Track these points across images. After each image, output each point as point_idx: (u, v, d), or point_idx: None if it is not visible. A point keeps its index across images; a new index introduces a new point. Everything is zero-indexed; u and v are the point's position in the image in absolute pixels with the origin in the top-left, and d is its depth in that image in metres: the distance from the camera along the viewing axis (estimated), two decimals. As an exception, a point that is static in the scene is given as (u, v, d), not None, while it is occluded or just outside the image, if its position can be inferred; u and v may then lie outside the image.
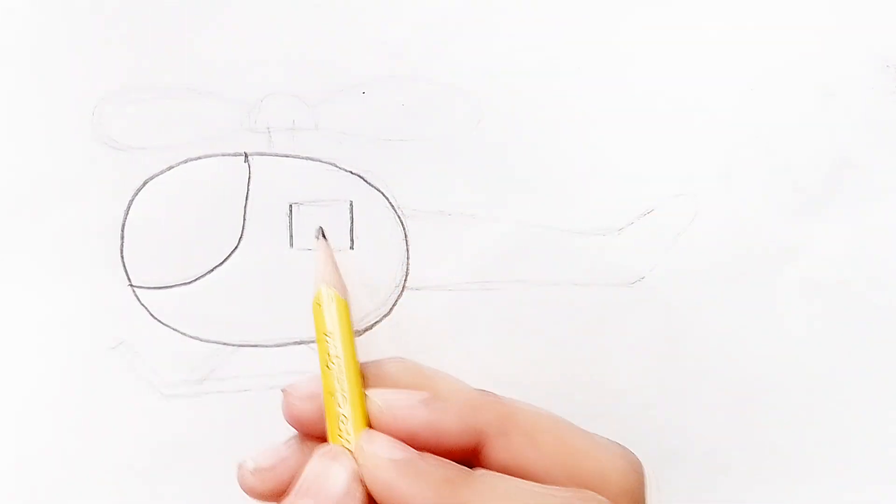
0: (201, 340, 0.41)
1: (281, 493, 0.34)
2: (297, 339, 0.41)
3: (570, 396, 0.42)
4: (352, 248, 0.41)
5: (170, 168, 0.41)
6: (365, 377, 0.36)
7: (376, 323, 0.41)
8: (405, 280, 0.41)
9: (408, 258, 0.41)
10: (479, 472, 0.32)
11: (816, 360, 0.42)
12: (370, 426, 0.34)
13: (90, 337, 0.41)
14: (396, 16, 0.41)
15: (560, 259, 0.42)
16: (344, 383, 0.34)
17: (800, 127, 0.42)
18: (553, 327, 0.42)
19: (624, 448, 0.35)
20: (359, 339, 0.41)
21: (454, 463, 0.32)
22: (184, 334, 0.41)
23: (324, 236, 0.40)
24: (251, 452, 0.35)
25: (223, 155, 0.41)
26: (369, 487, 0.32)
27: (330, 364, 0.35)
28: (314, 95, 0.41)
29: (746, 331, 0.42)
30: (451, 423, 0.33)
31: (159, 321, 0.41)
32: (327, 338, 0.36)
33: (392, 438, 0.33)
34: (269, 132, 0.41)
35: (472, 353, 0.42)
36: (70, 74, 0.40)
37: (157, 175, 0.41)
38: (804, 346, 0.42)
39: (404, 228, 0.41)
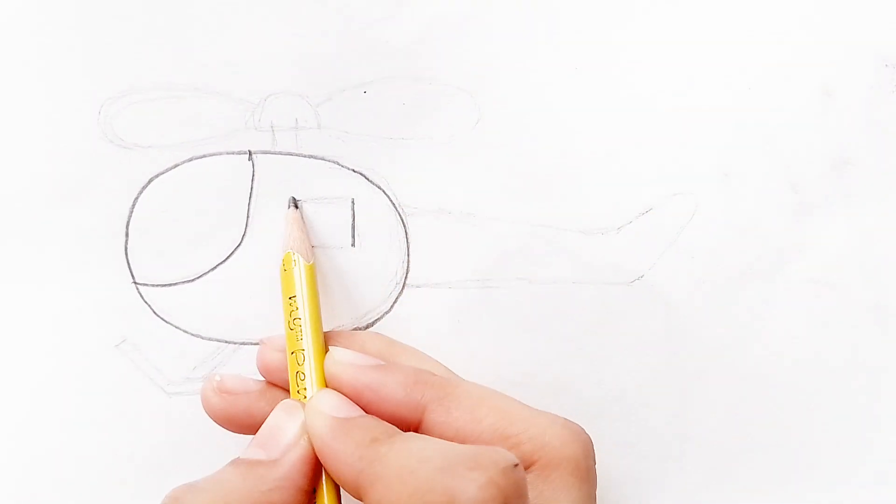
0: (204, 338, 0.42)
1: (229, 421, 0.37)
2: (299, 338, 0.41)
3: (570, 394, 0.42)
4: (353, 245, 0.41)
5: (174, 166, 0.41)
6: (333, 341, 0.38)
7: (377, 320, 0.42)
8: (406, 277, 0.42)
9: (408, 256, 0.42)
10: (406, 434, 0.33)
11: (816, 359, 0.42)
12: (325, 382, 0.36)
13: (93, 334, 0.41)
14: (398, 16, 0.41)
15: (559, 257, 0.42)
16: (305, 342, 0.37)
17: (799, 126, 0.42)
18: (552, 325, 0.42)
19: (569, 421, 0.35)
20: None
21: (388, 424, 0.34)
22: (186, 332, 0.41)
23: (295, 205, 0.41)
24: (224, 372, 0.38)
25: (227, 153, 0.41)
26: (312, 441, 0.34)
27: (292, 325, 0.38)
28: (317, 95, 0.41)
29: (745, 330, 0.42)
30: (392, 391, 0.35)
31: (162, 319, 0.41)
32: (291, 300, 0.38)
33: (342, 397, 0.35)
34: (273, 131, 0.41)
35: (471, 350, 0.42)
36: (76, 74, 0.41)
37: (161, 173, 0.41)
38: (803, 346, 0.42)
39: (405, 226, 0.42)
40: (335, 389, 0.36)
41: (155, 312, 0.41)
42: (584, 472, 0.34)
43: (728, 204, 0.42)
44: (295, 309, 0.38)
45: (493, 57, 0.41)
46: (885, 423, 0.42)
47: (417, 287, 0.42)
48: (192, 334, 0.41)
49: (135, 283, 0.41)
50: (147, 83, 0.41)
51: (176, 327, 0.41)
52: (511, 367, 0.42)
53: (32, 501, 0.41)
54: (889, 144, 0.42)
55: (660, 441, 0.42)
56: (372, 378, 0.35)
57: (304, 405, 0.36)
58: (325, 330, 0.39)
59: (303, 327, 0.37)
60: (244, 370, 0.41)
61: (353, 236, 0.41)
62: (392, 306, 0.42)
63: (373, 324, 0.41)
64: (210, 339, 0.42)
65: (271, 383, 0.38)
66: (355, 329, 0.41)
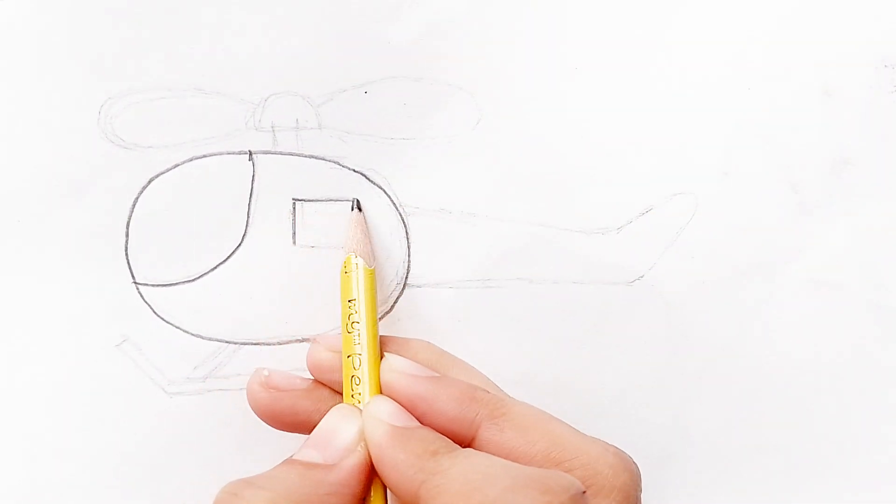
0: (204, 338, 0.42)
1: (273, 417, 0.37)
2: (300, 337, 0.42)
3: (570, 394, 0.42)
4: (353, 245, 0.41)
5: (175, 166, 0.41)
6: (387, 347, 0.38)
7: (378, 320, 0.41)
8: (406, 277, 0.42)
9: (409, 256, 0.42)
10: (466, 449, 0.33)
11: (816, 359, 0.42)
12: (380, 388, 0.36)
13: (94, 334, 0.41)
14: (398, 16, 0.41)
15: (559, 257, 0.42)
16: (361, 347, 0.37)
17: (799, 126, 0.42)
18: (552, 325, 0.42)
19: (619, 449, 0.35)
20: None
21: (447, 439, 0.34)
22: (187, 332, 0.41)
23: (359, 208, 0.41)
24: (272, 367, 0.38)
25: (228, 153, 0.41)
26: (369, 447, 0.34)
27: (350, 328, 0.37)
28: (317, 95, 0.41)
29: (745, 329, 0.42)
30: (446, 405, 0.34)
31: (163, 319, 0.41)
32: (350, 303, 0.37)
33: (399, 406, 0.35)
34: (273, 131, 0.41)
35: (472, 349, 0.42)
36: (77, 74, 0.41)
37: (162, 173, 0.41)
38: (803, 345, 0.42)
39: (406, 226, 0.42)
40: (389, 393, 0.35)
41: (155, 312, 0.41)
42: (634, 501, 0.34)
43: (728, 204, 0.42)
44: (354, 312, 0.37)
45: (494, 57, 0.41)
46: (886, 423, 0.42)
47: (418, 287, 0.42)
48: (193, 334, 0.41)
49: (135, 283, 0.41)
50: (147, 83, 0.41)
51: (176, 327, 0.41)
52: (511, 366, 0.42)
53: (32, 501, 0.41)
54: (889, 144, 0.42)
55: (660, 441, 0.42)
56: (427, 389, 0.35)
57: (357, 410, 0.35)
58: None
59: (361, 331, 0.37)
60: (244, 370, 0.41)
61: (354, 236, 0.41)
62: (393, 306, 0.42)
63: (373, 324, 0.41)
64: (211, 339, 0.42)
65: (319, 382, 0.38)
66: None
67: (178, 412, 0.41)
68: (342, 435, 0.34)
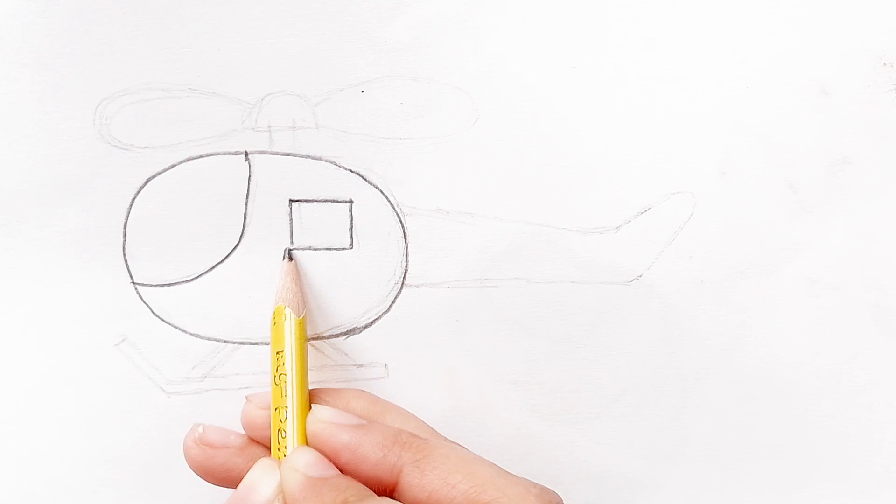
0: (202, 338, 0.42)
1: (207, 473, 0.38)
2: (298, 337, 0.42)
3: (568, 394, 0.42)
4: (351, 245, 0.41)
5: (171, 167, 0.41)
6: (318, 398, 0.38)
7: (376, 320, 0.42)
8: (404, 277, 0.42)
9: (406, 256, 0.42)
10: (382, 498, 0.34)
11: (815, 359, 0.42)
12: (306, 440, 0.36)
13: (92, 334, 0.41)
14: (395, 17, 0.41)
15: (557, 257, 0.42)
16: (288, 399, 0.37)
17: (796, 125, 0.42)
18: (550, 325, 0.42)
19: (545, 489, 0.35)
20: (359, 336, 0.42)
21: (361, 486, 0.34)
22: (185, 332, 0.41)
23: (290, 257, 0.41)
24: (208, 423, 0.38)
25: (224, 154, 0.41)
26: (286, 499, 0.34)
27: (277, 380, 0.37)
28: (314, 95, 0.41)
29: (743, 329, 0.42)
30: (369, 451, 0.35)
31: (161, 319, 0.41)
32: (278, 355, 0.38)
33: (319, 456, 0.35)
34: (270, 131, 0.41)
35: (470, 350, 0.42)
36: (72, 74, 0.40)
37: (158, 173, 0.41)
38: (802, 346, 0.42)
39: (403, 226, 0.42)
40: (315, 448, 0.36)
41: (153, 312, 0.41)
42: None
43: (726, 203, 0.42)
44: (281, 364, 0.37)
45: (492, 56, 0.41)
46: (885, 424, 0.42)
47: (416, 287, 0.42)
48: (191, 334, 0.41)
49: (133, 283, 0.41)
50: (143, 83, 0.41)
51: (175, 327, 0.41)
52: (510, 366, 0.42)
53: (31, 500, 0.41)
54: (887, 143, 0.42)
55: (660, 441, 0.42)
56: (350, 437, 0.35)
57: (278, 464, 0.36)
58: (314, 368, 0.40)
59: (288, 384, 0.37)
60: (243, 370, 0.41)
61: (352, 237, 0.41)
62: (390, 306, 0.42)
63: (371, 324, 0.41)
64: (209, 339, 0.42)
65: (253, 440, 0.38)
66: (352, 330, 0.41)
67: (176, 412, 0.41)
68: (261, 490, 0.35)
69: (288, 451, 0.36)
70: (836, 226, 0.42)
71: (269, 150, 0.41)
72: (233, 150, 0.41)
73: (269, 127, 0.41)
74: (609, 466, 0.42)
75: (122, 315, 0.41)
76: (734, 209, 0.42)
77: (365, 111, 0.41)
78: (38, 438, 0.41)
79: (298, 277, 0.40)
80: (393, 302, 0.42)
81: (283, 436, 0.36)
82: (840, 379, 0.42)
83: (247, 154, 0.41)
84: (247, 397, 0.38)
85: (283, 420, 0.36)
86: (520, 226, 0.42)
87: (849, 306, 0.42)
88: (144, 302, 0.41)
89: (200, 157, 0.41)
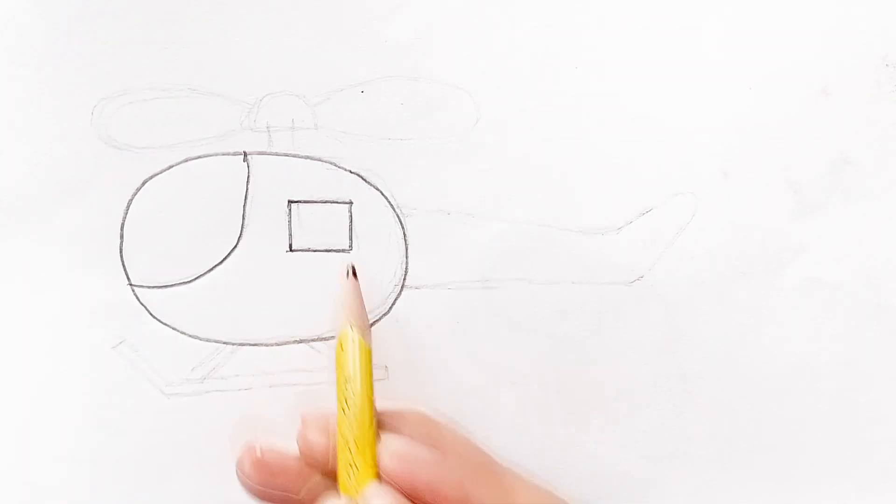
0: (201, 339, 0.41)
1: (262, 495, 0.37)
2: (298, 338, 0.41)
3: (570, 394, 0.42)
4: (351, 247, 0.41)
5: (169, 167, 0.41)
6: (381, 423, 0.36)
7: (376, 322, 0.41)
8: (404, 279, 0.41)
9: (407, 257, 0.41)
10: None
11: (815, 358, 0.42)
12: (377, 472, 0.35)
13: (91, 336, 0.41)
14: (395, 16, 0.41)
15: (559, 258, 0.42)
16: (358, 430, 0.35)
17: (798, 126, 0.42)
18: (551, 326, 0.42)
19: None
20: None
21: None
22: (184, 333, 0.41)
23: (354, 274, 0.39)
24: (263, 439, 0.37)
25: (223, 154, 0.41)
26: None
27: (346, 408, 0.36)
28: (313, 95, 0.41)
29: (745, 330, 0.42)
30: (449, 490, 0.34)
31: (159, 320, 0.41)
32: (346, 383, 0.36)
33: (398, 498, 0.34)
34: (269, 131, 0.41)
35: (470, 351, 0.42)
36: (71, 74, 0.40)
37: (156, 174, 0.41)
38: (803, 346, 0.42)
39: (403, 227, 0.41)
40: (390, 483, 0.34)
41: (152, 314, 0.41)
42: None
43: (728, 204, 0.42)
44: (351, 394, 0.36)
45: (492, 56, 0.41)
46: (885, 423, 0.42)
47: (416, 288, 0.41)
48: (190, 336, 0.41)
49: (131, 284, 0.41)
50: (141, 83, 0.41)
51: (173, 329, 0.41)
52: (511, 367, 0.42)
53: (31, 502, 0.41)
54: (888, 144, 0.42)
55: (660, 441, 0.42)
56: (430, 476, 0.34)
57: (353, 500, 0.34)
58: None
59: (357, 414, 0.35)
60: (242, 371, 0.41)
61: (351, 238, 0.41)
62: (391, 308, 0.41)
63: (371, 325, 0.41)
64: (208, 341, 0.41)
65: (310, 463, 0.37)
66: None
67: (175, 413, 0.41)
68: None
69: (360, 489, 0.34)
70: (837, 226, 0.42)
71: (268, 150, 0.41)
72: (231, 151, 0.41)
73: (267, 127, 0.41)
74: (609, 466, 0.42)
75: (120, 317, 0.41)
76: (736, 210, 0.42)
77: (365, 111, 0.41)
78: (37, 441, 0.41)
79: (361, 296, 0.39)
80: (393, 303, 0.41)
81: (355, 472, 0.35)
82: (840, 378, 0.42)
83: (245, 155, 0.41)
84: (302, 418, 0.37)
85: (353, 453, 0.35)
86: (521, 226, 0.42)
87: (849, 306, 0.42)
88: (142, 304, 0.41)
89: (199, 157, 0.41)
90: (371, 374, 0.36)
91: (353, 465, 0.35)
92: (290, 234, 0.41)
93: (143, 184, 0.41)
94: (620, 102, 0.41)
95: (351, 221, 0.41)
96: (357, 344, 0.36)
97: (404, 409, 0.37)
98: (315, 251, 0.41)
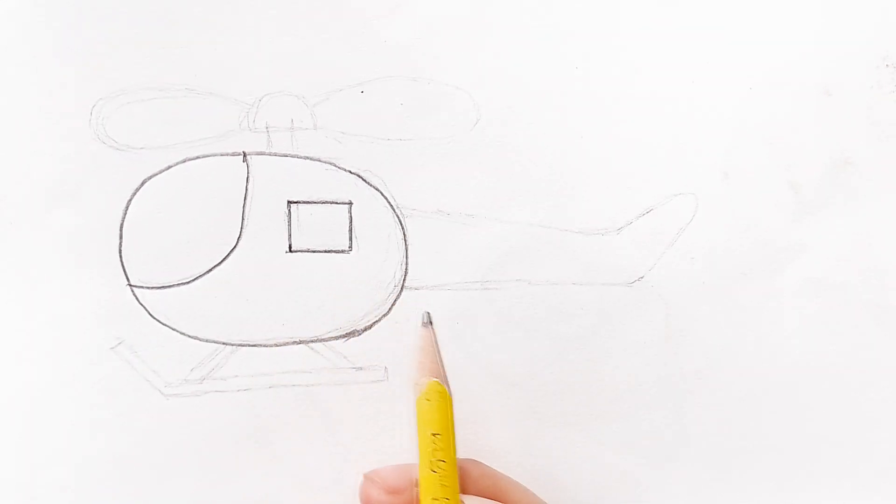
0: (201, 340, 0.41)
1: None
2: (297, 339, 0.41)
3: (570, 395, 0.42)
4: (350, 247, 0.41)
5: (168, 168, 0.41)
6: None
7: (376, 322, 0.41)
8: (404, 280, 0.41)
9: (406, 258, 0.41)
10: None
11: (815, 359, 0.42)
12: None
13: (89, 337, 0.41)
14: (395, 16, 0.41)
15: (559, 259, 0.42)
16: (450, 488, 0.34)
17: (799, 126, 0.42)
18: (552, 326, 0.42)
19: None
20: (359, 339, 0.41)
21: None
22: (183, 334, 0.41)
23: (430, 322, 0.37)
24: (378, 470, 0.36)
25: (222, 154, 0.41)
26: None
27: (436, 467, 0.34)
28: (313, 95, 0.41)
29: (745, 330, 0.42)
30: None
31: (158, 321, 0.41)
32: (435, 437, 0.34)
33: None
34: (268, 132, 0.41)
35: (471, 352, 0.42)
36: (69, 74, 0.40)
37: (155, 175, 0.41)
38: (803, 346, 0.42)
39: (403, 228, 0.41)
40: None
41: (151, 315, 0.41)
42: None
43: (728, 204, 0.42)
44: (439, 449, 0.34)
45: (493, 56, 0.41)
46: (885, 423, 0.42)
47: (416, 289, 0.41)
48: (189, 336, 0.41)
49: (130, 285, 0.41)
50: (140, 84, 0.41)
51: (172, 329, 0.41)
52: (511, 368, 0.42)
53: (31, 502, 0.41)
54: (889, 144, 0.42)
55: (660, 441, 0.42)
56: None
57: None
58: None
59: (450, 472, 0.33)
60: (241, 372, 0.41)
61: (351, 239, 0.41)
62: (391, 309, 0.41)
63: (371, 326, 0.41)
64: (207, 341, 0.41)
65: None
66: (352, 332, 0.41)
67: (175, 414, 0.41)
68: None
69: None
70: (837, 226, 0.42)
71: (268, 150, 0.41)
72: (231, 151, 0.41)
73: (267, 127, 0.41)
74: (609, 466, 0.42)
75: (118, 317, 0.41)
76: (736, 210, 0.42)
77: (365, 112, 0.41)
78: (37, 441, 0.41)
79: (437, 345, 0.37)
80: (393, 304, 0.41)
81: None
82: (840, 379, 0.42)
83: (245, 155, 0.41)
84: (366, 476, 0.35)
85: None
86: (521, 227, 0.42)
87: (850, 306, 0.42)
88: (142, 304, 0.41)
89: (198, 157, 0.41)
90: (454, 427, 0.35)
91: None
92: (290, 235, 0.41)
93: (143, 184, 0.41)
94: (620, 102, 0.41)
95: (351, 222, 0.41)
96: (443, 396, 0.35)
97: (463, 462, 0.36)
98: (315, 252, 0.41)
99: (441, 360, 0.36)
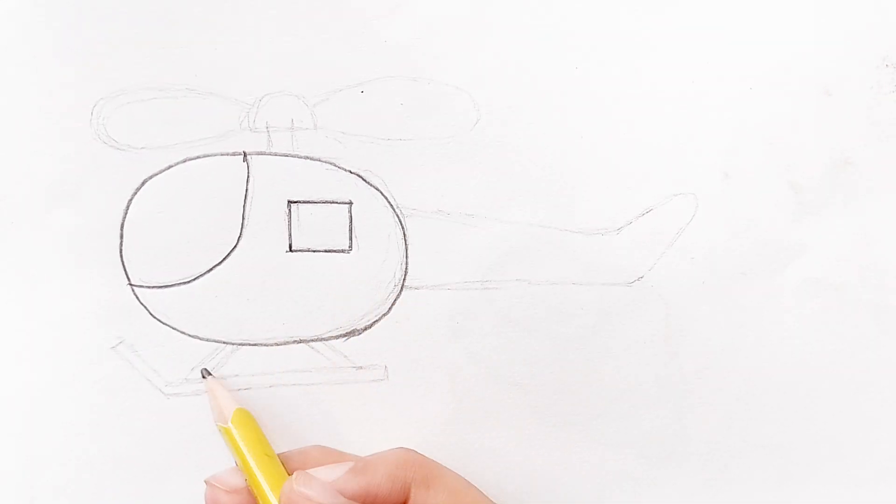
0: (201, 339, 0.41)
1: None
2: (297, 338, 0.41)
3: (570, 395, 0.42)
4: (350, 247, 0.41)
5: (169, 167, 0.41)
6: (288, 465, 0.39)
7: (375, 322, 0.41)
8: (404, 279, 0.41)
9: (407, 257, 0.41)
10: None
11: (815, 359, 0.42)
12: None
13: (90, 336, 0.41)
14: (395, 16, 0.41)
15: (558, 259, 0.42)
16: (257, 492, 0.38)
17: (799, 126, 0.42)
18: (552, 326, 0.42)
19: None
20: (359, 338, 0.41)
21: None
22: (184, 333, 0.41)
23: (209, 374, 0.41)
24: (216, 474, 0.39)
25: (222, 154, 0.41)
26: None
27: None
28: (313, 95, 0.41)
29: (745, 330, 0.42)
30: (382, 482, 0.36)
31: (159, 320, 0.41)
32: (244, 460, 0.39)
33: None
34: (268, 131, 0.41)
35: (470, 352, 0.42)
36: (69, 74, 0.40)
37: (155, 174, 0.41)
38: (803, 346, 0.42)
39: (403, 228, 0.41)
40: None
41: (151, 314, 0.41)
42: None
43: (728, 204, 0.42)
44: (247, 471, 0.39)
45: (492, 56, 0.41)
46: (885, 423, 0.42)
47: (416, 289, 0.41)
48: (190, 335, 0.41)
49: (130, 284, 0.41)
50: (140, 83, 0.41)
51: (173, 328, 0.41)
52: (511, 368, 0.42)
53: (31, 502, 0.41)
54: (889, 144, 0.42)
55: (660, 441, 0.42)
56: (358, 481, 0.36)
57: None
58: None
59: (253, 486, 0.38)
60: (241, 371, 0.41)
61: (351, 238, 0.41)
62: (390, 308, 0.41)
63: (371, 326, 0.41)
64: (207, 341, 0.41)
65: None
66: (352, 332, 0.41)
67: (175, 413, 0.41)
68: None
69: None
70: (837, 226, 0.42)
71: (268, 150, 0.41)
72: (231, 151, 0.41)
73: (267, 127, 0.41)
74: (609, 466, 0.42)
75: (119, 317, 0.41)
76: (736, 210, 0.42)
77: (365, 111, 0.41)
78: (37, 440, 0.41)
79: (222, 386, 0.41)
80: (393, 304, 0.41)
81: None
82: (840, 379, 0.42)
83: (245, 155, 0.41)
84: (207, 482, 0.39)
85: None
86: (521, 227, 0.42)
87: (849, 306, 0.42)
88: (142, 304, 0.41)
89: (198, 157, 0.41)
90: (246, 450, 0.39)
91: None
92: (290, 235, 0.41)
93: (143, 184, 0.41)
94: (620, 102, 0.41)
95: (351, 222, 0.41)
96: (238, 429, 0.39)
97: (305, 448, 0.40)
98: (315, 251, 0.41)
99: (226, 400, 0.40)
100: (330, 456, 0.39)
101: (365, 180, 0.41)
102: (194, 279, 0.41)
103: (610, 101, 0.41)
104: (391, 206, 0.41)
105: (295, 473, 0.37)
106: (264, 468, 0.38)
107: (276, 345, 0.41)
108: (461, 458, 0.41)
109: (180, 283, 0.41)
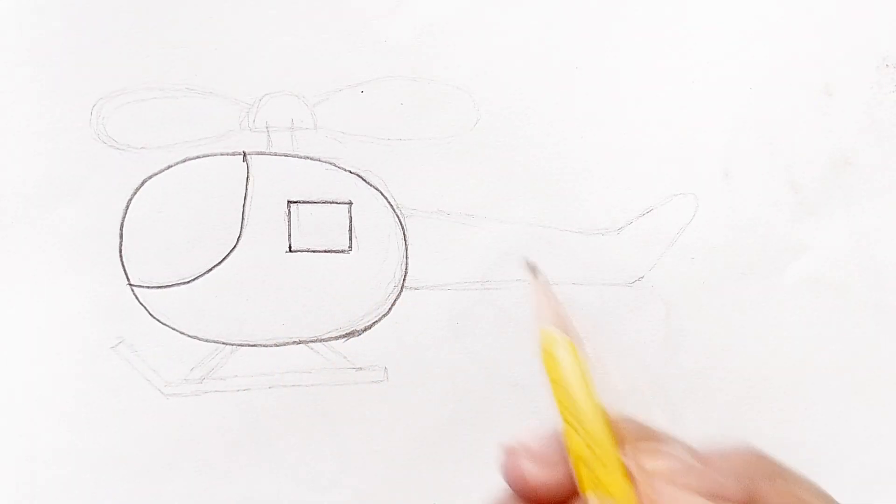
0: (201, 340, 0.41)
1: None
2: (297, 339, 0.41)
3: (570, 396, 0.42)
4: (350, 247, 0.41)
5: (168, 167, 0.41)
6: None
7: (375, 322, 0.41)
8: (404, 280, 0.41)
9: (406, 258, 0.41)
10: None
11: (815, 359, 0.42)
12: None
13: (89, 336, 0.41)
14: (395, 16, 0.41)
15: (559, 259, 0.42)
16: (598, 448, 0.29)
17: (799, 126, 0.42)
18: (552, 327, 0.42)
19: None
20: (358, 339, 0.41)
21: None
22: (183, 333, 0.41)
23: (536, 270, 0.33)
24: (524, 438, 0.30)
25: (222, 154, 0.41)
26: None
27: (576, 428, 0.30)
28: (313, 95, 0.41)
29: (745, 330, 0.42)
30: (732, 488, 0.30)
31: (158, 320, 0.41)
32: (563, 391, 0.30)
33: None
34: (268, 131, 0.41)
35: (470, 352, 0.42)
36: (69, 74, 0.40)
37: (155, 174, 0.41)
38: (803, 345, 0.42)
39: (403, 228, 0.41)
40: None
41: (151, 314, 0.41)
42: None
43: (728, 204, 0.42)
44: (576, 408, 0.30)
45: (492, 56, 0.41)
46: (885, 423, 0.42)
47: (416, 289, 0.41)
48: (189, 336, 0.41)
49: (130, 284, 0.41)
50: (140, 83, 0.41)
51: (173, 329, 0.41)
52: (510, 368, 0.42)
53: (31, 502, 0.41)
54: (889, 144, 0.42)
55: (659, 441, 0.42)
56: (708, 485, 0.29)
57: None
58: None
59: (593, 430, 0.29)
60: (241, 371, 0.41)
61: (351, 238, 0.41)
62: (390, 309, 0.41)
63: (370, 326, 0.41)
64: (207, 341, 0.41)
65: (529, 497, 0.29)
66: (352, 332, 0.41)
67: (174, 414, 0.41)
68: None
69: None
70: (837, 226, 0.42)
71: (268, 150, 0.41)
72: (230, 151, 0.41)
73: (267, 127, 0.41)
74: (609, 467, 0.42)
75: (119, 317, 0.41)
76: (736, 210, 0.42)
77: (365, 111, 0.41)
78: (36, 440, 0.41)
79: (552, 292, 0.32)
80: (393, 304, 0.41)
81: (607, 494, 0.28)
82: (840, 379, 0.42)
83: (245, 155, 0.41)
84: (507, 450, 0.29)
85: (599, 475, 0.28)
86: (521, 227, 0.42)
87: (850, 306, 0.42)
88: (142, 304, 0.41)
89: (198, 157, 0.41)
90: (590, 378, 0.31)
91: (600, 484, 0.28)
92: (290, 235, 0.41)
93: (143, 184, 0.41)
94: (620, 102, 0.41)
95: (351, 222, 0.41)
96: (568, 346, 0.31)
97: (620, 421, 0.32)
98: (314, 251, 0.41)
99: (558, 306, 0.32)
100: (640, 433, 0.32)
101: (365, 180, 0.41)
102: (194, 279, 0.41)
103: (610, 101, 0.41)
104: (391, 206, 0.41)
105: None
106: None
107: (276, 345, 0.41)
108: (461, 458, 0.41)
109: (180, 283, 0.41)
